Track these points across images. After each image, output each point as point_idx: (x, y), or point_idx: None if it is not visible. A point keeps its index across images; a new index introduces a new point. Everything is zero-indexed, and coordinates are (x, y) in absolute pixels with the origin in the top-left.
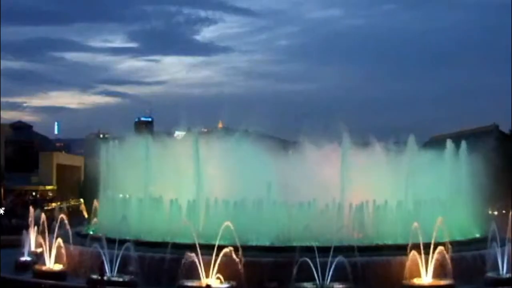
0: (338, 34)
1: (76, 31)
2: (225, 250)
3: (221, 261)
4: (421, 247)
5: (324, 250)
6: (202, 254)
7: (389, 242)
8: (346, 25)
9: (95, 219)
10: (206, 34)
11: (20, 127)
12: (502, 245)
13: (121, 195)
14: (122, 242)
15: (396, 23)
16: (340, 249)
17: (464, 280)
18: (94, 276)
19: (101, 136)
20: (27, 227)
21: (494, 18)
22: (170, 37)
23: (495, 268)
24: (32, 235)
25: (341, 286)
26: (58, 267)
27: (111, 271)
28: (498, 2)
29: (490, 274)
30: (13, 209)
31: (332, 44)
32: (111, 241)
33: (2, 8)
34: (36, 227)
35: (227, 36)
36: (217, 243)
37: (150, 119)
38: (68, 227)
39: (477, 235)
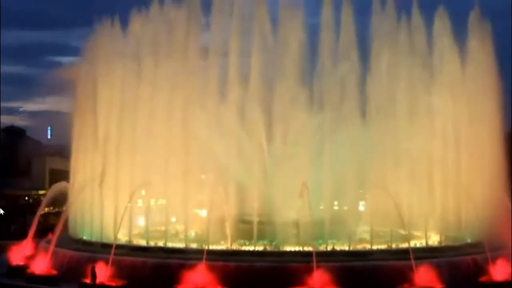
0: None
1: (75, 36)
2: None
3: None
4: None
5: (318, 255)
6: (193, 259)
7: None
8: None
9: None
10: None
11: (13, 131)
12: (495, 249)
13: None
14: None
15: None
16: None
17: (457, 285)
18: (87, 281)
19: None
20: (22, 232)
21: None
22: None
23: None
24: (25, 239)
25: None
26: (50, 271)
27: (104, 275)
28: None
29: (483, 279)
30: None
31: None
32: (104, 245)
33: (4, 12)
34: (29, 232)
35: None
36: (207, 247)
37: None
38: (60, 231)
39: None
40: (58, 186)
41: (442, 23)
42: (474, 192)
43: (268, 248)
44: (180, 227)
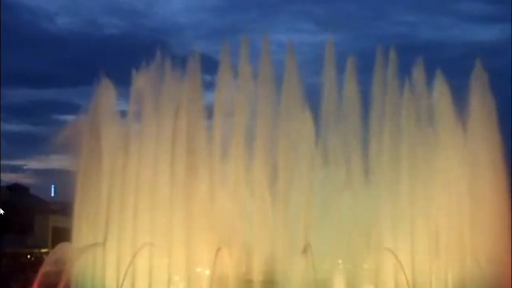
0: None
1: (79, 94)
2: None
3: None
4: None
5: None
6: None
7: None
8: None
9: None
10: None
11: (16, 189)
12: None
13: None
14: None
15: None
16: None
17: None
18: None
19: None
20: None
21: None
22: None
23: None
24: None
25: None
26: None
27: None
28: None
29: None
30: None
31: None
32: None
33: (9, 71)
34: None
35: None
36: None
37: None
38: None
39: None
40: (61, 247)
41: (441, 87)
42: (479, 253)
43: None
44: (182, 286)
